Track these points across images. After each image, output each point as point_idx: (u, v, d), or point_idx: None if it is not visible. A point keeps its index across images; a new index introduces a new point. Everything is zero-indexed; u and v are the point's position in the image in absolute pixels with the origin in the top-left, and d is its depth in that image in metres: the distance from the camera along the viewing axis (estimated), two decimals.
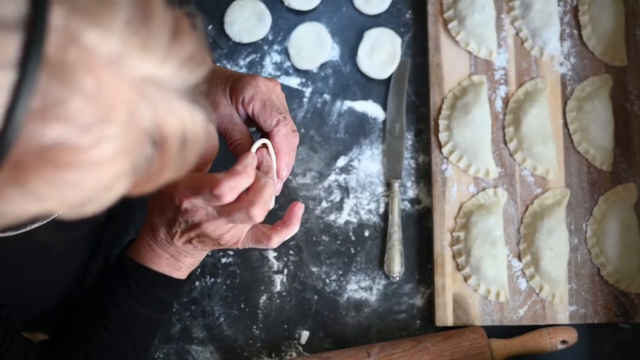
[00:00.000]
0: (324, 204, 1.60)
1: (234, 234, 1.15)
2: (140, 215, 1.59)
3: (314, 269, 1.58)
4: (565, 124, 1.59)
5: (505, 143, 1.58)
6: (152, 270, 1.23)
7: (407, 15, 1.66)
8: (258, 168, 1.13)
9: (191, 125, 0.76)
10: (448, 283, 1.54)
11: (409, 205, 1.60)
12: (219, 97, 1.19)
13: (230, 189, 1.05)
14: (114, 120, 0.71)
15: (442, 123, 1.58)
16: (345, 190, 1.60)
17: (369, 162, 1.61)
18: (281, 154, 1.18)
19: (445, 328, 1.53)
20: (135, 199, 0.82)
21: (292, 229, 1.19)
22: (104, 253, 1.50)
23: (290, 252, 1.58)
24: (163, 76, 0.74)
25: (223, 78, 1.21)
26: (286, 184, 1.59)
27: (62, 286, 1.43)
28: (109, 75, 0.70)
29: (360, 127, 1.63)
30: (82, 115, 0.69)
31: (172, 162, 0.78)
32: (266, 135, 1.19)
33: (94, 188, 0.75)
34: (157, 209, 1.17)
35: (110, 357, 1.29)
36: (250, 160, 1.08)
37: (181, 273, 1.25)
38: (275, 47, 1.65)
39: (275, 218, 1.22)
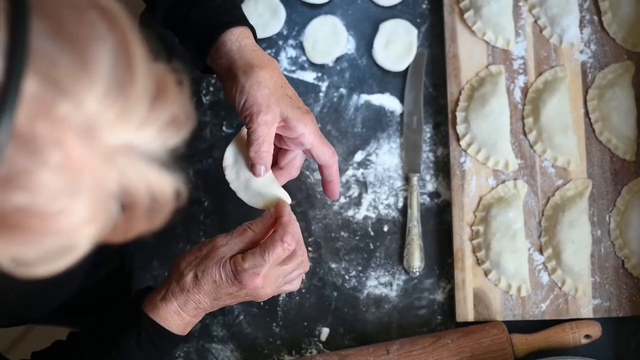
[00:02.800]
0: (342, 200, 1.58)
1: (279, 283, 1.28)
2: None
3: (333, 265, 1.57)
4: (586, 113, 1.56)
5: (525, 134, 1.55)
6: (168, 331, 1.27)
7: (424, 6, 1.64)
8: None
9: (159, 190, 0.76)
10: (468, 278, 1.52)
11: (428, 199, 1.58)
12: (275, 106, 1.28)
13: (292, 238, 1.24)
14: (82, 190, 0.71)
15: (459, 115, 1.56)
16: (364, 185, 1.59)
17: (386, 156, 1.59)
18: (335, 181, 1.38)
19: (467, 323, 1.51)
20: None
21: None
22: (107, 263, 1.51)
23: (309, 248, 1.57)
24: (139, 142, 0.73)
25: (286, 96, 1.30)
26: (304, 180, 1.59)
27: (64, 295, 1.44)
28: (80, 146, 0.69)
29: (377, 121, 1.61)
30: (48, 185, 0.69)
31: (140, 221, 0.77)
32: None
33: (53, 250, 0.75)
34: (207, 290, 1.25)
35: None
36: (288, 209, 1.28)
37: (188, 330, 1.31)
38: (290, 41, 1.64)
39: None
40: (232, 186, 1.34)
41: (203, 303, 1.26)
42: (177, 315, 1.26)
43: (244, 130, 1.32)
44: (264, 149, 1.28)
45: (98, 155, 0.71)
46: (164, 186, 0.76)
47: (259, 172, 1.29)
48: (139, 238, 0.81)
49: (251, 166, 1.30)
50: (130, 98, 0.71)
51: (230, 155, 1.33)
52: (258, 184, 1.32)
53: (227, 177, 1.34)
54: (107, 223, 0.76)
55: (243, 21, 1.34)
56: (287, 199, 1.32)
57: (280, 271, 1.25)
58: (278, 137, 1.32)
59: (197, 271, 1.25)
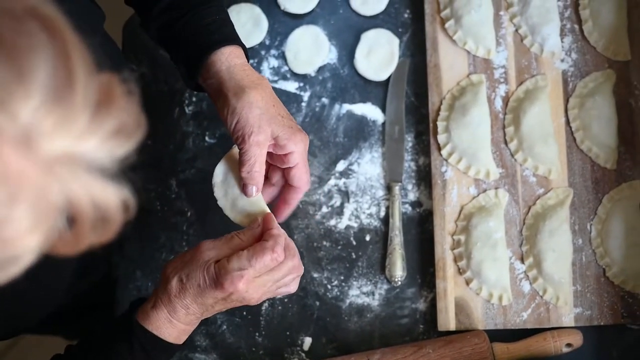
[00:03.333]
0: (324, 209, 1.59)
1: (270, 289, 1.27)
2: (133, 227, 1.60)
3: (316, 275, 1.57)
4: (567, 122, 1.56)
5: (506, 143, 1.56)
6: (161, 339, 1.26)
7: (405, 15, 1.64)
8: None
9: (103, 201, 0.75)
10: (450, 287, 1.52)
11: (410, 208, 1.58)
12: (266, 126, 1.28)
13: (282, 249, 1.23)
14: (21, 200, 0.70)
15: (440, 124, 1.56)
16: (346, 194, 1.59)
17: (368, 166, 1.60)
18: (292, 207, 1.37)
19: (448, 333, 1.51)
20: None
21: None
22: (93, 272, 1.51)
23: None
24: (81, 152, 0.72)
25: (278, 115, 1.30)
26: None
27: (51, 304, 1.44)
28: (17, 156, 0.69)
29: (359, 131, 1.61)
30: None
31: (89, 232, 0.77)
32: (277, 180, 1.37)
33: None
34: (193, 295, 1.23)
35: None
36: (277, 223, 1.27)
37: (184, 338, 1.30)
38: (273, 51, 1.64)
39: None
40: (220, 203, 1.33)
41: (192, 308, 1.24)
42: (168, 323, 1.25)
43: (235, 149, 1.32)
44: (256, 169, 1.27)
45: (37, 165, 0.70)
46: (109, 197, 0.75)
47: (251, 193, 1.29)
48: (102, 249, 0.80)
49: (243, 186, 1.29)
50: (70, 107, 0.71)
51: (219, 173, 1.34)
52: (245, 202, 1.32)
53: (215, 194, 1.34)
54: (52, 234, 0.75)
55: (233, 40, 1.34)
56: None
57: (269, 277, 1.24)
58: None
59: (182, 275, 1.23)
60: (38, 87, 0.69)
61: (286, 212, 1.37)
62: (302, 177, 1.33)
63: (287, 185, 1.35)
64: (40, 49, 0.70)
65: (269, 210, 1.31)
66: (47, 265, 1.30)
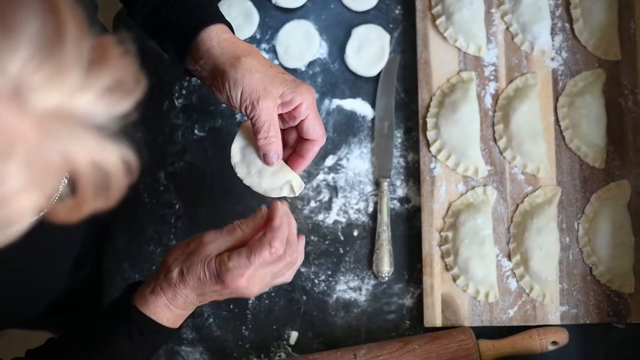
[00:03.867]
0: (313, 204, 1.59)
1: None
2: (122, 220, 1.60)
3: (303, 270, 1.57)
4: (557, 121, 1.56)
5: (495, 141, 1.56)
6: (158, 324, 1.27)
7: (397, 11, 1.64)
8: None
9: (103, 160, 0.75)
10: (437, 283, 1.52)
11: (398, 204, 1.58)
12: (271, 87, 1.26)
13: (280, 243, 1.22)
14: (14, 156, 0.70)
15: (430, 121, 1.56)
16: (334, 189, 1.59)
17: (357, 161, 1.60)
18: (308, 160, 1.34)
19: (435, 329, 1.52)
20: (118, 204, 0.81)
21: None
22: (88, 258, 1.51)
23: None
24: (76, 109, 0.72)
25: (278, 74, 1.28)
26: None
27: (46, 288, 1.43)
28: (7, 111, 0.68)
29: (348, 126, 1.61)
30: None
31: (91, 195, 0.77)
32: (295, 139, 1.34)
33: None
34: (193, 286, 1.24)
35: None
36: (281, 212, 1.25)
37: (180, 322, 1.31)
38: (263, 45, 1.64)
39: None
40: (246, 182, 1.33)
41: (190, 297, 1.25)
42: (166, 309, 1.26)
43: (246, 124, 1.32)
44: (272, 134, 1.27)
45: (29, 121, 0.70)
46: (110, 157, 0.75)
47: (272, 160, 1.29)
48: (101, 224, 0.80)
49: (263, 156, 1.29)
50: (60, 62, 0.70)
51: (236, 152, 1.32)
52: (270, 173, 1.31)
53: (238, 175, 1.33)
54: (51, 195, 0.75)
55: (219, 18, 1.34)
56: (300, 183, 1.32)
57: (268, 271, 1.24)
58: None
59: (183, 267, 1.24)
60: (26, 40, 0.69)
61: (302, 165, 1.35)
62: (315, 128, 1.31)
63: (302, 140, 1.34)
64: (28, 3, 0.70)
65: (294, 176, 1.31)
66: (45, 257, 1.31)
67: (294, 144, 1.35)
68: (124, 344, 1.26)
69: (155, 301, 1.26)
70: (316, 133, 1.32)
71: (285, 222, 1.25)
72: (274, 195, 1.32)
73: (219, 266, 1.22)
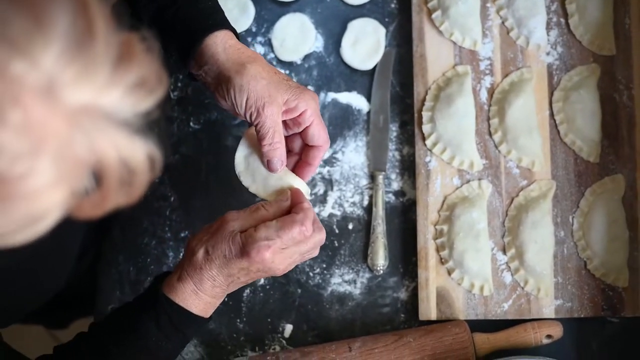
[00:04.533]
0: (308, 197, 1.58)
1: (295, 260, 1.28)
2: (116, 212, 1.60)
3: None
4: (552, 115, 1.56)
5: (490, 134, 1.56)
6: (187, 311, 1.26)
7: (392, 5, 1.64)
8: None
9: (130, 155, 0.75)
10: (432, 276, 1.52)
11: (393, 197, 1.58)
12: (276, 94, 1.27)
13: (310, 224, 1.24)
14: (44, 152, 0.70)
15: (425, 115, 1.56)
16: (329, 182, 1.59)
17: (353, 155, 1.60)
18: (314, 165, 1.35)
19: (430, 322, 1.52)
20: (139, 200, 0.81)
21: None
22: (89, 251, 1.51)
23: None
24: (104, 105, 0.72)
25: (283, 80, 1.29)
26: None
27: (49, 285, 1.43)
28: (39, 106, 0.69)
29: (344, 119, 1.61)
30: (9, 147, 0.69)
31: (115, 190, 0.77)
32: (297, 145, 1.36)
33: (23, 218, 0.74)
34: (219, 265, 1.24)
35: None
36: (305, 196, 1.28)
37: (211, 311, 1.30)
38: (259, 38, 1.64)
39: None
40: (252, 190, 1.33)
41: (218, 280, 1.25)
42: (195, 295, 1.25)
43: (248, 132, 1.32)
44: (277, 140, 1.27)
45: (61, 116, 0.70)
46: (136, 152, 0.75)
47: (276, 167, 1.29)
48: (116, 215, 0.80)
49: (267, 163, 1.29)
50: (91, 58, 0.71)
51: (241, 162, 1.33)
52: (274, 180, 1.32)
53: (244, 184, 1.33)
54: (78, 191, 0.75)
55: (227, 24, 1.34)
56: (307, 189, 1.32)
57: (297, 249, 1.25)
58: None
59: (208, 246, 1.24)
60: (58, 35, 0.69)
61: (310, 172, 1.36)
62: (320, 134, 1.32)
63: (306, 147, 1.35)
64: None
65: (300, 182, 1.32)
66: (51, 252, 1.30)
67: (298, 151, 1.36)
68: (154, 334, 1.26)
69: (183, 288, 1.25)
70: (321, 139, 1.33)
71: (311, 206, 1.27)
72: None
73: (245, 239, 1.22)
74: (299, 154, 1.36)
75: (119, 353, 1.27)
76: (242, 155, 1.33)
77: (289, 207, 1.26)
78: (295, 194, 1.28)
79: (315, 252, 1.30)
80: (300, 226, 1.22)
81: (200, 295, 1.25)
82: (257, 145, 1.31)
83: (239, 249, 1.22)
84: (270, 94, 1.26)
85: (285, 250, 1.23)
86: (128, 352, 1.27)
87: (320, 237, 1.27)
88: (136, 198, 0.79)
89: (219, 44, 1.30)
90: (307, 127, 1.31)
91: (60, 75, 0.69)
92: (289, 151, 1.34)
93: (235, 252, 1.22)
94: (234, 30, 1.34)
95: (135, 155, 0.75)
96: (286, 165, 1.32)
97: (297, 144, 1.36)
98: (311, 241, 1.25)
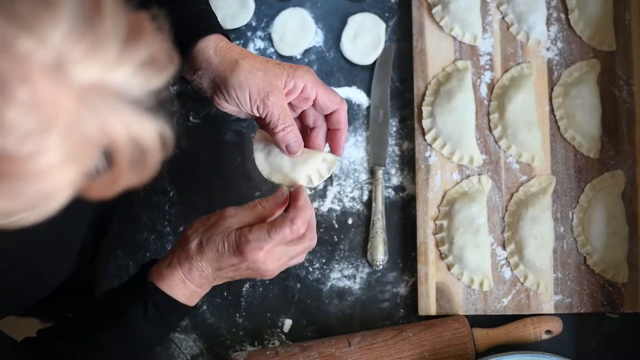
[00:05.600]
0: (307, 192, 1.58)
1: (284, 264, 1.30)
2: (115, 206, 1.60)
3: None
4: (552, 110, 1.56)
5: (490, 130, 1.56)
6: (174, 300, 1.28)
7: (392, 0, 1.64)
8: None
9: (141, 134, 0.75)
10: (431, 272, 1.52)
11: (392, 192, 1.58)
12: (275, 81, 1.28)
13: (303, 222, 1.25)
14: (53, 130, 0.70)
15: (425, 109, 1.56)
16: (329, 177, 1.59)
17: (352, 149, 1.59)
18: (343, 129, 1.36)
19: (429, 317, 1.52)
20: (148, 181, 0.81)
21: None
22: (89, 244, 1.50)
23: None
24: (114, 82, 0.72)
25: (276, 66, 1.30)
26: None
27: (52, 276, 1.43)
28: (48, 83, 0.69)
29: None
30: (18, 125, 0.68)
31: (127, 170, 0.77)
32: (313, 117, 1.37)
33: (34, 197, 0.74)
34: (210, 258, 1.26)
35: None
36: (305, 194, 1.29)
37: (196, 301, 1.32)
38: (259, 33, 1.64)
39: None
40: (286, 184, 1.35)
41: (206, 271, 1.27)
42: (182, 284, 1.27)
43: (256, 135, 1.34)
44: (288, 123, 1.29)
45: (70, 93, 0.70)
46: (146, 130, 0.75)
47: (295, 149, 1.31)
48: (125, 196, 0.80)
49: (286, 148, 1.31)
50: (99, 35, 0.71)
51: (264, 166, 1.35)
52: (302, 163, 1.33)
53: (277, 183, 1.35)
54: (89, 170, 0.75)
55: (220, 29, 1.34)
56: (333, 157, 1.34)
57: (286, 251, 1.27)
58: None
59: (203, 238, 1.26)
60: (66, 12, 0.69)
61: (342, 137, 1.37)
62: (330, 98, 1.33)
63: (327, 117, 1.36)
64: None
65: (326, 153, 1.34)
66: (54, 242, 1.30)
67: (313, 122, 1.37)
68: (140, 321, 1.27)
69: (171, 275, 1.27)
70: (334, 103, 1.34)
71: (309, 204, 1.28)
72: (316, 181, 1.35)
73: (238, 238, 1.24)
74: (318, 126, 1.37)
75: (105, 339, 1.28)
76: (261, 159, 1.35)
77: (285, 202, 1.29)
78: (294, 192, 1.29)
79: (302, 256, 1.32)
80: (291, 225, 1.24)
81: (187, 284, 1.27)
82: (269, 140, 1.33)
83: (232, 247, 1.24)
84: (269, 83, 1.27)
85: (276, 251, 1.25)
86: (114, 338, 1.29)
87: (311, 243, 1.29)
88: (148, 177, 0.79)
89: (211, 47, 1.30)
90: (315, 99, 1.33)
91: (69, 52, 0.69)
92: (308, 128, 1.36)
93: (229, 248, 1.24)
94: (225, 33, 1.34)
95: (146, 134, 0.75)
96: (317, 141, 1.35)
97: (311, 118, 1.37)
98: (301, 245, 1.27)
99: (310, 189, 1.58)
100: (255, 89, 1.27)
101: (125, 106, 0.73)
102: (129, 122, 0.74)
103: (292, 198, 1.29)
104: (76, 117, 0.71)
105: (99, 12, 0.71)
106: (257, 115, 1.29)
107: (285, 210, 1.29)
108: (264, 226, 1.24)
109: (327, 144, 1.38)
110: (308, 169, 1.33)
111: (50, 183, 0.73)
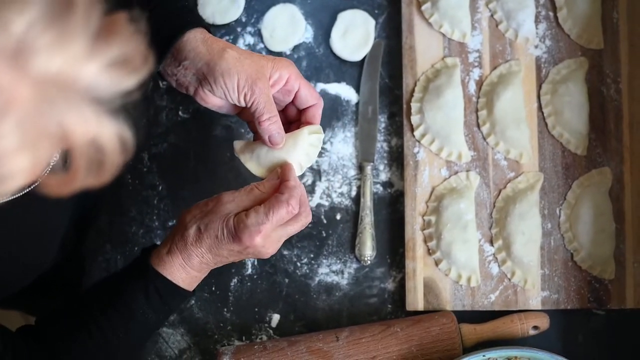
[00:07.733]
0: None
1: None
2: (104, 200, 1.60)
3: (285, 252, 1.57)
4: (540, 107, 1.57)
5: (479, 126, 1.57)
6: (174, 284, 1.29)
7: None
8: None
9: (99, 135, 0.75)
10: (419, 267, 1.53)
11: (381, 188, 1.59)
12: (262, 69, 1.29)
13: (296, 202, 1.26)
14: (8, 116, 0.70)
15: (414, 106, 1.57)
16: (318, 173, 1.59)
17: (341, 145, 1.60)
18: (318, 123, 1.37)
19: (417, 312, 1.52)
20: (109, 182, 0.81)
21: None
22: (72, 237, 1.50)
23: None
24: (79, 78, 0.72)
25: (260, 58, 1.30)
26: None
27: (32, 265, 1.43)
28: (5, 71, 0.69)
29: (333, 110, 1.61)
30: None
31: (84, 170, 0.77)
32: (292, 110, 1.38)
33: None
34: (209, 245, 1.27)
35: (109, 353, 1.32)
36: (294, 172, 1.30)
37: (195, 285, 1.33)
38: (249, 28, 1.64)
39: None
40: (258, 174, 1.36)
41: (206, 257, 1.28)
42: (182, 269, 1.28)
43: (238, 144, 1.35)
44: (274, 113, 1.29)
45: (28, 82, 0.70)
46: (106, 132, 0.75)
47: (278, 140, 1.31)
48: (88, 197, 0.80)
49: (269, 139, 1.30)
50: (68, 27, 0.71)
51: (255, 168, 1.35)
52: (291, 148, 1.33)
53: (252, 172, 1.36)
54: (44, 160, 0.75)
55: (202, 22, 1.35)
56: (317, 127, 1.36)
57: (283, 232, 1.27)
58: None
59: (201, 224, 1.27)
60: (35, 1, 0.69)
61: (318, 114, 1.38)
62: (310, 92, 1.35)
63: (304, 110, 1.37)
64: None
65: (308, 128, 1.34)
66: (33, 233, 1.30)
67: (294, 116, 1.38)
68: (141, 304, 1.28)
69: (172, 261, 1.28)
70: (313, 97, 1.35)
71: (298, 182, 1.29)
72: (313, 159, 1.35)
73: (237, 224, 1.24)
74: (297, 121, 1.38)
75: (105, 321, 1.29)
76: (253, 165, 1.35)
77: (279, 184, 1.29)
78: (283, 171, 1.30)
79: (299, 229, 1.31)
80: (287, 205, 1.24)
81: (188, 270, 1.28)
82: (251, 145, 1.34)
83: (231, 233, 1.25)
84: (257, 70, 1.28)
85: (274, 233, 1.26)
86: (113, 321, 1.29)
87: (307, 219, 1.29)
88: (106, 180, 0.79)
89: (198, 37, 1.31)
90: (297, 91, 1.33)
91: (32, 41, 0.69)
92: (289, 122, 1.37)
93: (227, 235, 1.25)
94: (208, 28, 1.36)
95: (104, 135, 0.75)
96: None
97: (292, 112, 1.38)
98: (298, 224, 1.28)
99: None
100: (243, 75, 1.27)
101: (87, 104, 0.73)
102: (88, 122, 0.74)
103: (282, 177, 1.29)
104: (33, 108, 0.71)
105: (71, 5, 0.71)
106: (243, 104, 1.29)
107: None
108: (260, 209, 1.24)
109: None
110: (299, 150, 1.33)
111: (3, 168, 0.74)
